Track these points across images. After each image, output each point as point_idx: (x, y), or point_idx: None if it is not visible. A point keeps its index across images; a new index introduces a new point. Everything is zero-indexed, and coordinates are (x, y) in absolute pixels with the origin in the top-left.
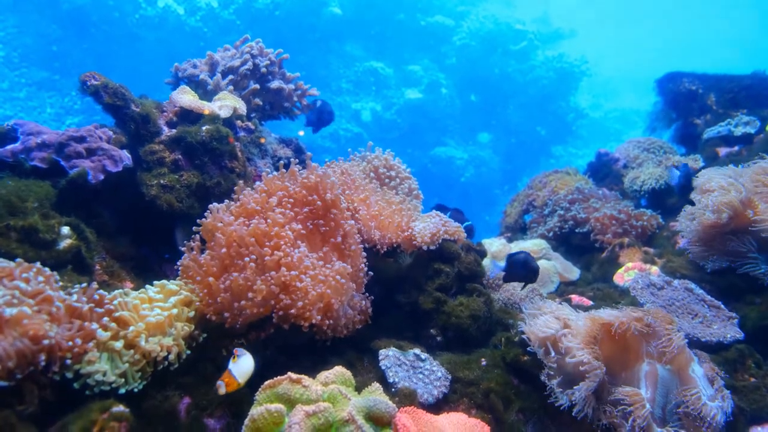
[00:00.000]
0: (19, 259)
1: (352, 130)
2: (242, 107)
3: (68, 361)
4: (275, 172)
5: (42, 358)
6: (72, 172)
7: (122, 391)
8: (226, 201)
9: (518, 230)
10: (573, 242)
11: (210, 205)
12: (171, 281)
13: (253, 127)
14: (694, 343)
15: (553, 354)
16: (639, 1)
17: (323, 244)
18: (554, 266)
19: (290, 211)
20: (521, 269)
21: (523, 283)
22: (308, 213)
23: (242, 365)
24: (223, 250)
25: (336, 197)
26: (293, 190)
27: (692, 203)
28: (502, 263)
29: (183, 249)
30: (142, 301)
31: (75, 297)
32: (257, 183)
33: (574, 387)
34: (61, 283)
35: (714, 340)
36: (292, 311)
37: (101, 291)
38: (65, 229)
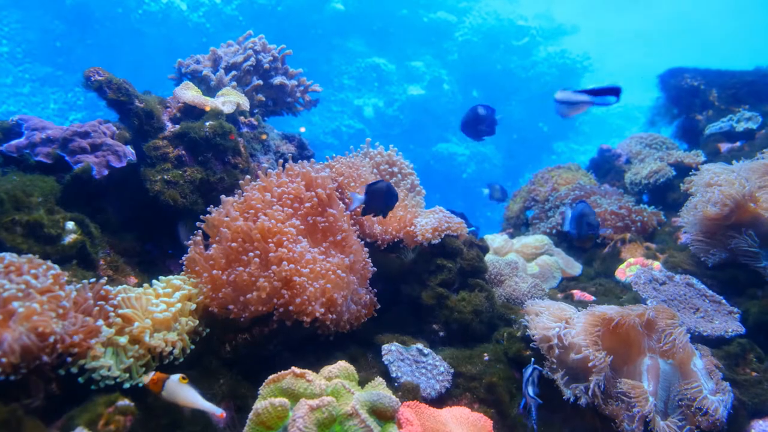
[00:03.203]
0: (30, 255)
1: (354, 126)
2: (245, 103)
3: (69, 359)
4: (278, 168)
5: (47, 353)
6: (76, 168)
7: (127, 385)
8: (236, 195)
9: (521, 226)
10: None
11: (222, 197)
12: (174, 276)
13: (256, 122)
14: (696, 338)
15: (556, 350)
16: None
17: (324, 240)
18: (556, 262)
19: (289, 208)
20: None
21: None
22: (307, 209)
23: (180, 389)
24: (233, 244)
25: (330, 192)
26: (291, 188)
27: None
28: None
29: (187, 244)
30: (148, 296)
31: (82, 292)
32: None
33: (580, 380)
34: (66, 278)
35: (716, 334)
36: (291, 308)
37: (107, 287)
38: (70, 224)
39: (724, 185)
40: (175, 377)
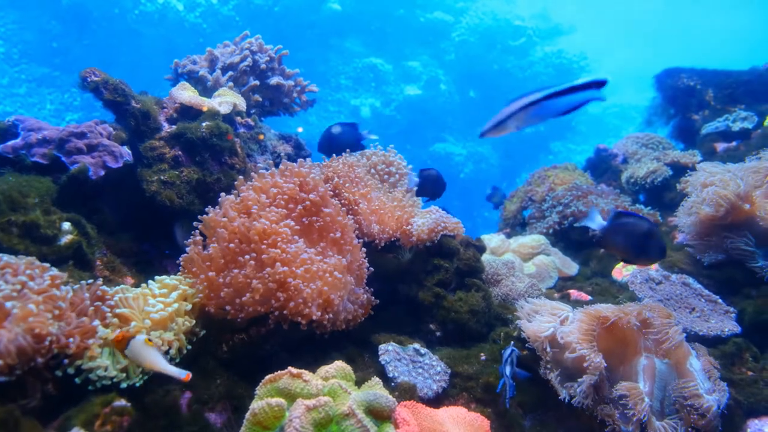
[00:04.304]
0: (29, 257)
1: None
2: (242, 103)
3: (65, 361)
4: (272, 169)
5: (43, 354)
6: (73, 168)
7: (124, 385)
8: (232, 196)
9: (517, 225)
10: (572, 237)
11: (222, 195)
12: (170, 276)
13: (252, 123)
14: (692, 337)
15: (550, 349)
16: None
17: (321, 240)
18: (553, 261)
19: (284, 209)
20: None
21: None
22: (302, 210)
23: (144, 350)
24: (231, 245)
25: (323, 192)
26: (285, 188)
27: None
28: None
29: (186, 243)
30: (146, 297)
31: (78, 293)
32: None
33: (576, 380)
34: (62, 279)
35: (712, 333)
36: (285, 311)
37: (104, 287)
38: (66, 225)
39: (719, 186)
40: (141, 337)
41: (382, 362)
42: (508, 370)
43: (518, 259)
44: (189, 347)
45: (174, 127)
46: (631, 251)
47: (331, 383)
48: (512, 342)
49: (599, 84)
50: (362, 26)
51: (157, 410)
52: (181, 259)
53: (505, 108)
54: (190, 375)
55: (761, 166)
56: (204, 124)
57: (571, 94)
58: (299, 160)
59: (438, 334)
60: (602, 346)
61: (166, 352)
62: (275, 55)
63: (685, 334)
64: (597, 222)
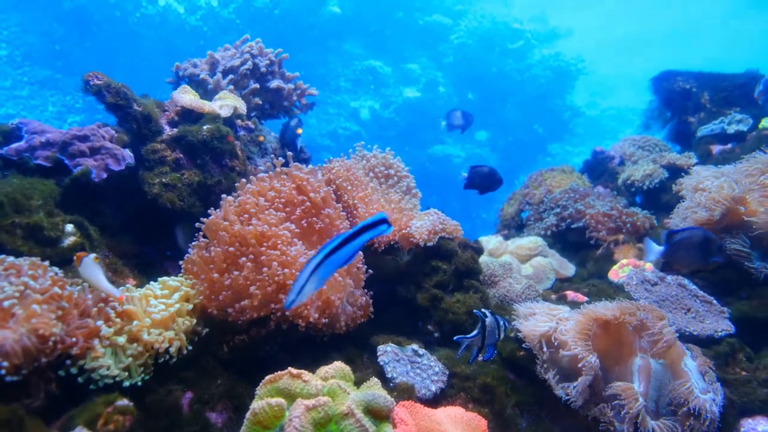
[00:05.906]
0: (34, 258)
1: (350, 128)
2: (242, 106)
3: (68, 361)
4: (271, 172)
5: (47, 354)
6: (76, 171)
7: (126, 384)
8: (231, 197)
9: (515, 228)
10: (569, 239)
11: (223, 196)
12: (171, 278)
13: (253, 126)
14: (687, 338)
15: (546, 349)
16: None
17: (320, 242)
18: (550, 263)
19: (282, 212)
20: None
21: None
22: (301, 212)
23: (91, 266)
24: (232, 248)
25: (326, 195)
26: (284, 192)
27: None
28: None
29: (191, 246)
30: (148, 298)
31: (81, 294)
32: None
33: (571, 381)
34: (66, 280)
35: (706, 334)
36: (287, 313)
37: None
38: (69, 227)
39: (713, 191)
40: (92, 255)
41: (381, 363)
42: (474, 332)
43: (516, 261)
44: (190, 347)
45: (175, 130)
46: (697, 261)
47: (330, 383)
48: (490, 311)
49: (382, 221)
50: (361, 29)
51: (158, 410)
52: (183, 260)
53: (302, 271)
54: (124, 297)
55: (754, 168)
56: (205, 127)
57: (353, 241)
58: (293, 163)
59: (436, 335)
60: (598, 346)
61: (167, 351)
62: (275, 58)
63: (678, 335)
64: (655, 250)
